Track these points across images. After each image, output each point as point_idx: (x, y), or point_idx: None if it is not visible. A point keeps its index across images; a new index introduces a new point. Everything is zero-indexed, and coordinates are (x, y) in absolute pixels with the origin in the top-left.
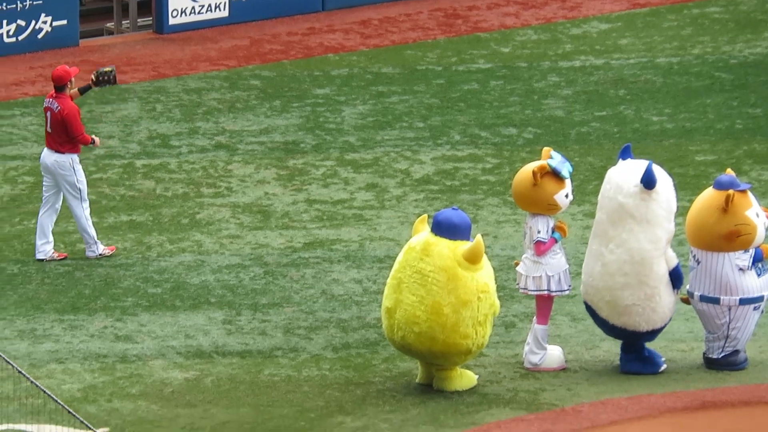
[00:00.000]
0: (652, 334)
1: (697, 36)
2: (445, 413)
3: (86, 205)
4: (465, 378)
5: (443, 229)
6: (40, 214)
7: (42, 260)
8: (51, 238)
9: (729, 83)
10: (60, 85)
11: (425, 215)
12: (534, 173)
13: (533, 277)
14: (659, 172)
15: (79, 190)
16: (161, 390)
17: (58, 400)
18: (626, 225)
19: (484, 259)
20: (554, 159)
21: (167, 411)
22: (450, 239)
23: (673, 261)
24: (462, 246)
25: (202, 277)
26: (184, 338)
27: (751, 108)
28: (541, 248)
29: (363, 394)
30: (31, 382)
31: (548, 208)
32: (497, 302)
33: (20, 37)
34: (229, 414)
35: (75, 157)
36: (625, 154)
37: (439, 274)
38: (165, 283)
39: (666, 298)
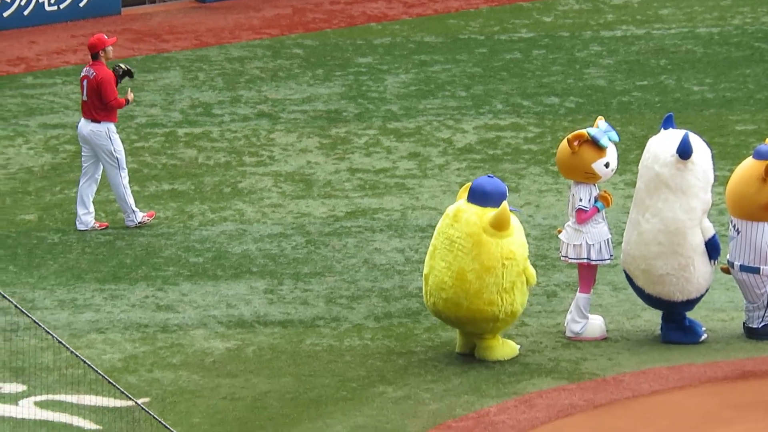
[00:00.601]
0: (688, 304)
1: (737, 6)
2: (487, 383)
3: (124, 174)
4: (507, 347)
5: (476, 196)
6: (80, 185)
7: (83, 230)
8: (92, 209)
9: None
10: (94, 53)
11: (469, 183)
12: (569, 141)
13: (574, 245)
14: (697, 142)
15: (117, 159)
16: (202, 360)
17: (99, 371)
18: (662, 194)
19: (515, 227)
20: (598, 128)
21: (208, 381)
22: (482, 206)
23: (710, 231)
24: (490, 213)
25: (243, 246)
26: (225, 308)
27: None
28: (582, 216)
29: (405, 364)
30: (71, 352)
31: (586, 176)
32: (532, 271)
33: (62, 6)
34: (270, 384)
35: (111, 126)
36: (668, 123)
37: (465, 240)
38: (206, 252)
39: (701, 269)
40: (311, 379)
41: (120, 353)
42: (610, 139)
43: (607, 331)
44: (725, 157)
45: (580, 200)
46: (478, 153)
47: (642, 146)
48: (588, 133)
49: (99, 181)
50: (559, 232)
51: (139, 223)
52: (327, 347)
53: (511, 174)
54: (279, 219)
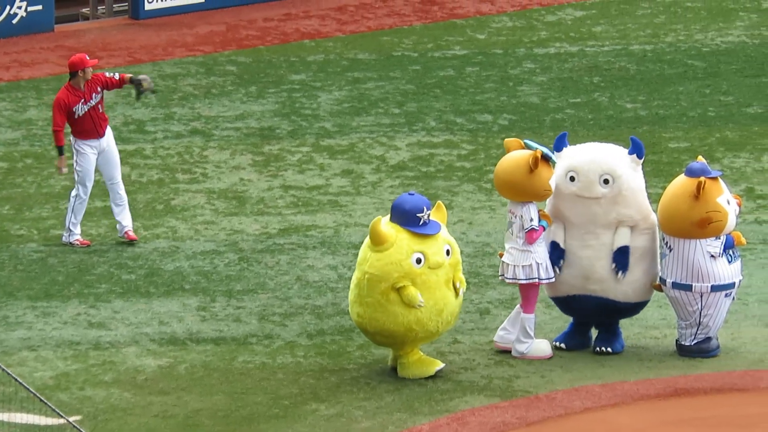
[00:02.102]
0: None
1: (671, 24)
2: (420, 400)
3: (80, 191)
4: (419, 367)
5: (392, 210)
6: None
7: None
8: (77, 224)
9: (701, 71)
10: (70, 72)
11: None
12: (536, 159)
13: (523, 266)
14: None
15: (76, 172)
16: (134, 377)
17: (30, 388)
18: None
19: (399, 245)
20: (536, 146)
21: (140, 398)
22: (395, 222)
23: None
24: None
25: (176, 264)
26: (157, 325)
27: (723, 96)
28: (534, 236)
29: (337, 381)
30: (2, 369)
31: (544, 194)
32: (412, 292)
33: None
34: (202, 401)
35: (78, 142)
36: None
37: (359, 253)
38: (139, 269)
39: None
40: (244, 397)
41: (52, 371)
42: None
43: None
44: (658, 175)
45: (531, 220)
46: (411, 170)
47: None
48: (543, 152)
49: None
50: (501, 255)
51: (70, 243)
52: (259, 365)
53: (444, 191)
54: (212, 236)
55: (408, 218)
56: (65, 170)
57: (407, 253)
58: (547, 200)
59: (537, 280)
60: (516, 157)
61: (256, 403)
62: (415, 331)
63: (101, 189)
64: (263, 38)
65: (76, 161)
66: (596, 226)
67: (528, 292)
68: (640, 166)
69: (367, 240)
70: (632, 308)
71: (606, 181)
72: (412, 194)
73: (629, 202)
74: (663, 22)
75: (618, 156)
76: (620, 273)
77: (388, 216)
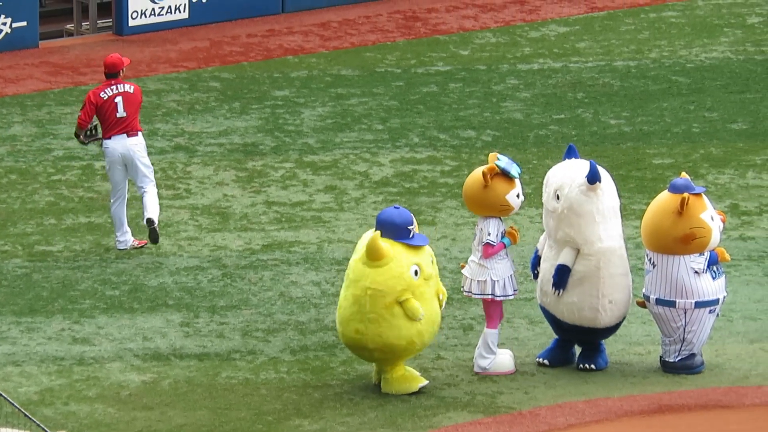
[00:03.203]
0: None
1: (654, 40)
2: (403, 416)
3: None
4: (403, 383)
5: (379, 224)
6: (112, 208)
7: (122, 249)
8: (127, 228)
9: (686, 87)
10: (113, 72)
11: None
12: (484, 174)
13: (478, 281)
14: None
15: (147, 167)
16: (118, 393)
17: (15, 403)
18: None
19: (399, 260)
20: (501, 160)
21: (124, 414)
22: (383, 235)
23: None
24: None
25: (160, 279)
26: (141, 341)
27: (708, 112)
28: (489, 251)
29: (321, 397)
30: None
31: (501, 209)
32: (414, 305)
33: None
34: (186, 417)
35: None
36: (570, 154)
37: (349, 269)
38: (123, 285)
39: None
40: (227, 413)
41: (36, 386)
42: (517, 171)
43: (516, 365)
44: (642, 191)
45: (489, 234)
46: (395, 186)
47: None
48: (498, 166)
49: (127, 198)
50: (463, 266)
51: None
52: (243, 380)
53: (427, 207)
54: (195, 252)
55: (400, 231)
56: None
57: (407, 265)
58: None
59: (491, 297)
60: (477, 171)
61: (240, 418)
62: (415, 344)
63: (85, 205)
64: (246, 54)
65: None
66: (552, 239)
67: (488, 307)
68: (600, 192)
69: (357, 256)
70: (573, 330)
71: (558, 197)
72: (398, 207)
73: (572, 222)
74: (647, 38)
75: (573, 175)
76: (555, 290)
77: (373, 230)
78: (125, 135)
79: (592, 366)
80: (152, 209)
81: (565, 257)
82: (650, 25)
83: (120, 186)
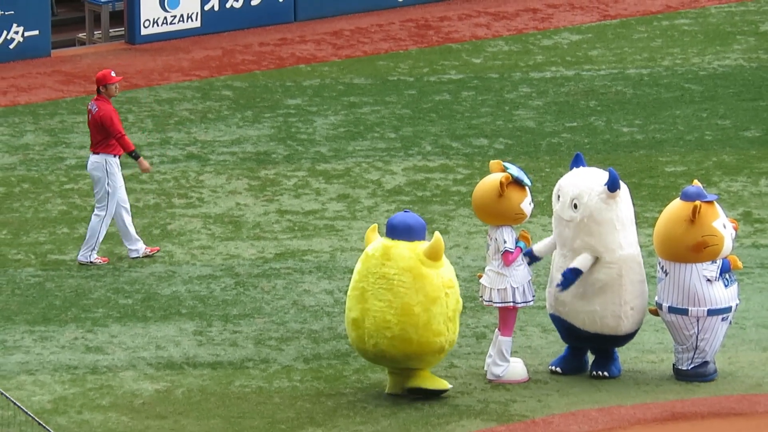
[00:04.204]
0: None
1: (667, 48)
2: (416, 424)
3: (111, 210)
4: (437, 381)
5: (399, 231)
6: (101, 223)
7: (135, 258)
8: (137, 237)
9: (698, 95)
10: (98, 87)
11: (375, 225)
12: (501, 183)
13: (498, 290)
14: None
15: (108, 193)
16: (131, 401)
17: (28, 412)
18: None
19: (444, 256)
20: (512, 169)
21: (137, 423)
22: (408, 240)
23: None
24: (421, 245)
25: (173, 288)
26: (154, 349)
27: (720, 119)
28: (509, 258)
29: (334, 406)
30: (1, 393)
31: (515, 218)
32: (461, 299)
33: None
34: (199, 426)
35: (110, 158)
36: (577, 162)
37: (404, 276)
38: (136, 294)
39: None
40: (240, 421)
41: (50, 395)
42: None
43: (530, 373)
44: (655, 199)
45: (505, 242)
46: (407, 194)
47: None
48: (511, 175)
49: (128, 209)
50: (480, 276)
51: (91, 262)
52: (256, 389)
53: (440, 216)
54: (208, 261)
55: (424, 232)
56: (150, 167)
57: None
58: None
59: (512, 304)
60: (488, 181)
61: (253, 427)
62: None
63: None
64: (259, 63)
65: (109, 181)
66: (567, 248)
67: (505, 315)
68: (619, 200)
69: (411, 265)
70: (592, 338)
71: (575, 206)
72: (408, 212)
73: (592, 231)
74: (660, 45)
75: (591, 184)
76: (559, 288)
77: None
78: (91, 152)
79: (606, 374)
80: (127, 243)
81: (581, 262)
82: (663, 33)
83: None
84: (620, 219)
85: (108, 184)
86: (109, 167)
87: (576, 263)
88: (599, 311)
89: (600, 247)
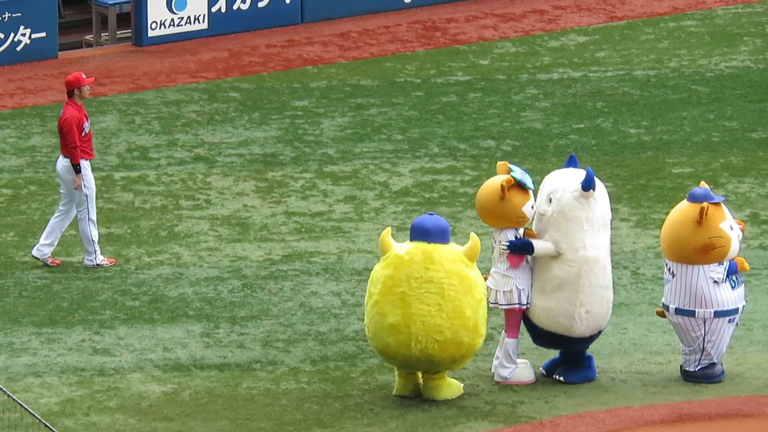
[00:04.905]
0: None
1: (674, 49)
2: (423, 426)
3: (93, 211)
4: (454, 387)
5: (434, 234)
6: (52, 217)
7: (35, 258)
8: (54, 243)
9: (705, 96)
10: (70, 91)
11: (389, 228)
12: (503, 187)
13: (504, 292)
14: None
15: (86, 195)
16: (139, 403)
17: (36, 414)
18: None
19: None
20: (515, 172)
21: (145, 425)
22: (443, 243)
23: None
24: (458, 247)
25: (180, 290)
26: (162, 351)
27: (728, 121)
28: (515, 260)
29: (341, 408)
30: (8, 395)
31: (517, 221)
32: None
33: None
34: (206, 428)
35: (82, 161)
36: (571, 163)
37: (452, 279)
38: (143, 296)
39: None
40: (248, 423)
41: (57, 397)
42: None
43: (536, 374)
44: (662, 200)
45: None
46: (415, 196)
47: None
48: (514, 178)
49: (72, 219)
50: (486, 279)
51: (97, 264)
52: (263, 391)
53: (447, 217)
54: (215, 262)
55: (447, 236)
56: (81, 183)
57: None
58: None
59: (517, 306)
60: (490, 184)
61: (260, 429)
62: None
63: (105, 216)
64: (266, 64)
65: (85, 183)
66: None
67: (511, 316)
68: (593, 201)
69: (458, 268)
70: (547, 336)
71: (550, 200)
72: (432, 214)
73: (560, 227)
74: (666, 47)
75: (567, 181)
76: (505, 248)
77: (391, 242)
78: (61, 155)
79: (561, 378)
80: (42, 239)
81: (539, 243)
82: (670, 35)
83: (62, 201)
84: (590, 220)
85: (84, 186)
86: (82, 170)
87: (534, 241)
88: (554, 308)
89: (564, 244)
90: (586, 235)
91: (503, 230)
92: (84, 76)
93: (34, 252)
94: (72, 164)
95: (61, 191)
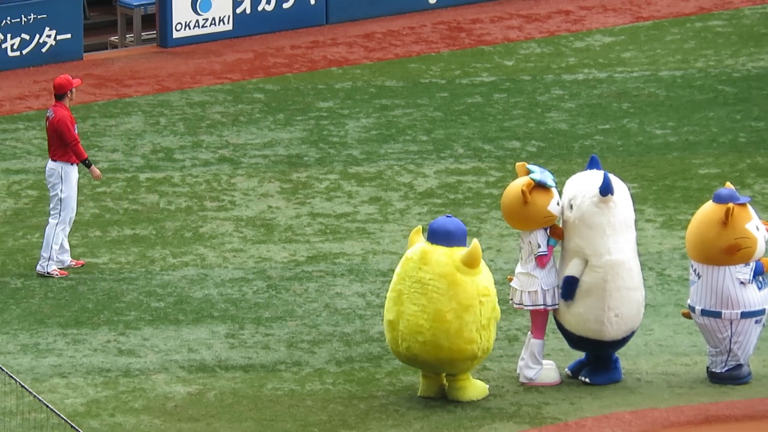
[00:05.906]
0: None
1: (701, 49)
2: (448, 427)
3: (64, 218)
4: (478, 388)
5: (439, 236)
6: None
7: (44, 275)
8: (67, 246)
9: (732, 96)
10: (59, 94)
11: (419, 227)
12: (523, 192)
13: (529, 292)
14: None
15: (60, 200)
16: (164, 404)
17: (61, 415)
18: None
19: (483, 263)
20: (534, 172)
21: (170, 425)
22: (446, 246)
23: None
24: (459, 251)
25: (205, 291)
26: (187, 352)
27: (754, 121)
28: (543, 261)
29: (366, 409)
30: (34, 396)
31: (545, 221)
32: (498, 307)
33: (24, 51)
34: (231, 428)
35: (67, 166)
36: (592, 164)
37: (438, 281)
38: (168, 296)
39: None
40: (273, 424)
41: (82, 397)
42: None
43: (561, 375)
44: (688, 201)
45: (539, 246)
46: (439, 197)
47: None
48: (534, 179)
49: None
50: (510, 279)
51: (48, 273)
52: (288, 392)
53: (472, 218)
54: (240, 263)
55: (465, 238)
56: (101, 175)
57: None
58: None
59: (542, 307)
60: (512, 189)
61: (285, 430)
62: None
63: (130, 217)
64: (291, 66)
65: (63, 188)
66: (564, 249)
67: (536, 317)
68: (613, 205)
69: (447, 271)
70: (579, 341)
71: (571, 207)
72: (449, 216)
73: (582, 233)
74: (693, 47)
75: (587, 187)
76: (563, 300)
77: (416, 240)
78: (49, 159)
79: (587, 380)
80: (43, 250)
81: (573, 268)
82: (696, 35)
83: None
84: (611, 224)
85: (61, 190)
86: (65, 174)
87: (568, 271)
88: (583, 314)
89: (588, 251)
90: (609, 239)
91: (532, 232)
92: (71, 78)
93: (38, 266)
94: (81, 160)
95: (51, 195)
